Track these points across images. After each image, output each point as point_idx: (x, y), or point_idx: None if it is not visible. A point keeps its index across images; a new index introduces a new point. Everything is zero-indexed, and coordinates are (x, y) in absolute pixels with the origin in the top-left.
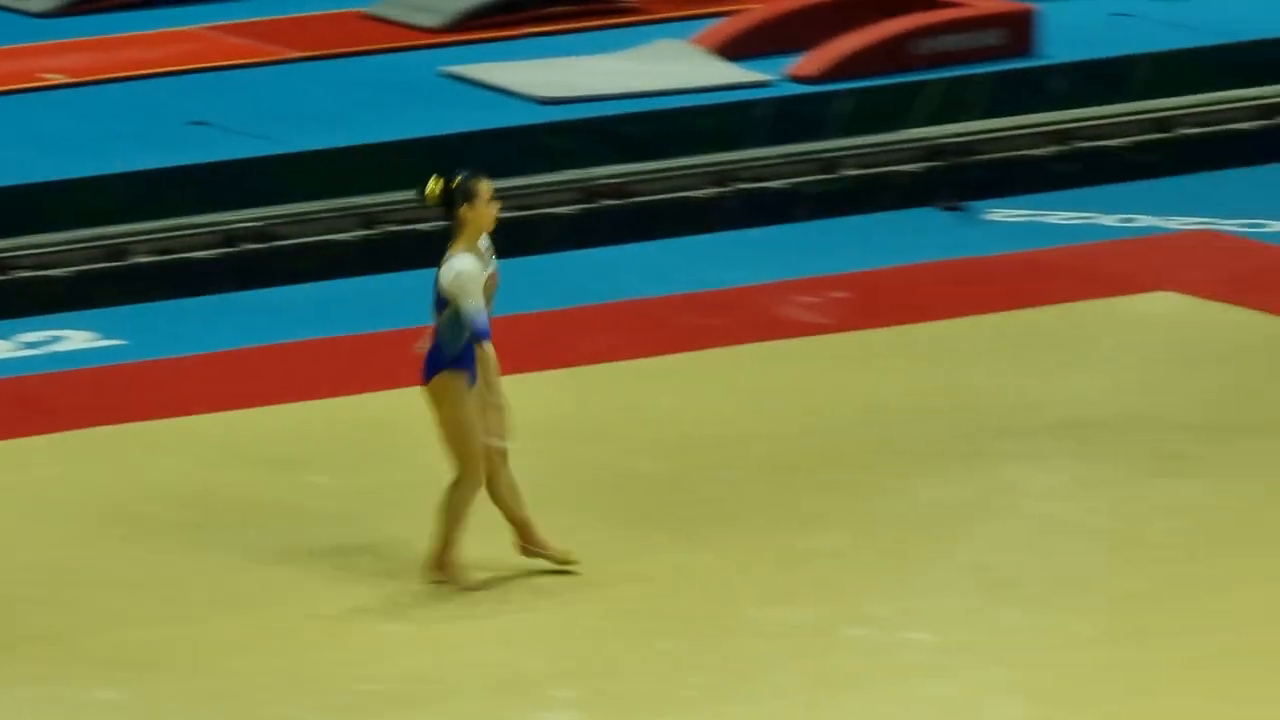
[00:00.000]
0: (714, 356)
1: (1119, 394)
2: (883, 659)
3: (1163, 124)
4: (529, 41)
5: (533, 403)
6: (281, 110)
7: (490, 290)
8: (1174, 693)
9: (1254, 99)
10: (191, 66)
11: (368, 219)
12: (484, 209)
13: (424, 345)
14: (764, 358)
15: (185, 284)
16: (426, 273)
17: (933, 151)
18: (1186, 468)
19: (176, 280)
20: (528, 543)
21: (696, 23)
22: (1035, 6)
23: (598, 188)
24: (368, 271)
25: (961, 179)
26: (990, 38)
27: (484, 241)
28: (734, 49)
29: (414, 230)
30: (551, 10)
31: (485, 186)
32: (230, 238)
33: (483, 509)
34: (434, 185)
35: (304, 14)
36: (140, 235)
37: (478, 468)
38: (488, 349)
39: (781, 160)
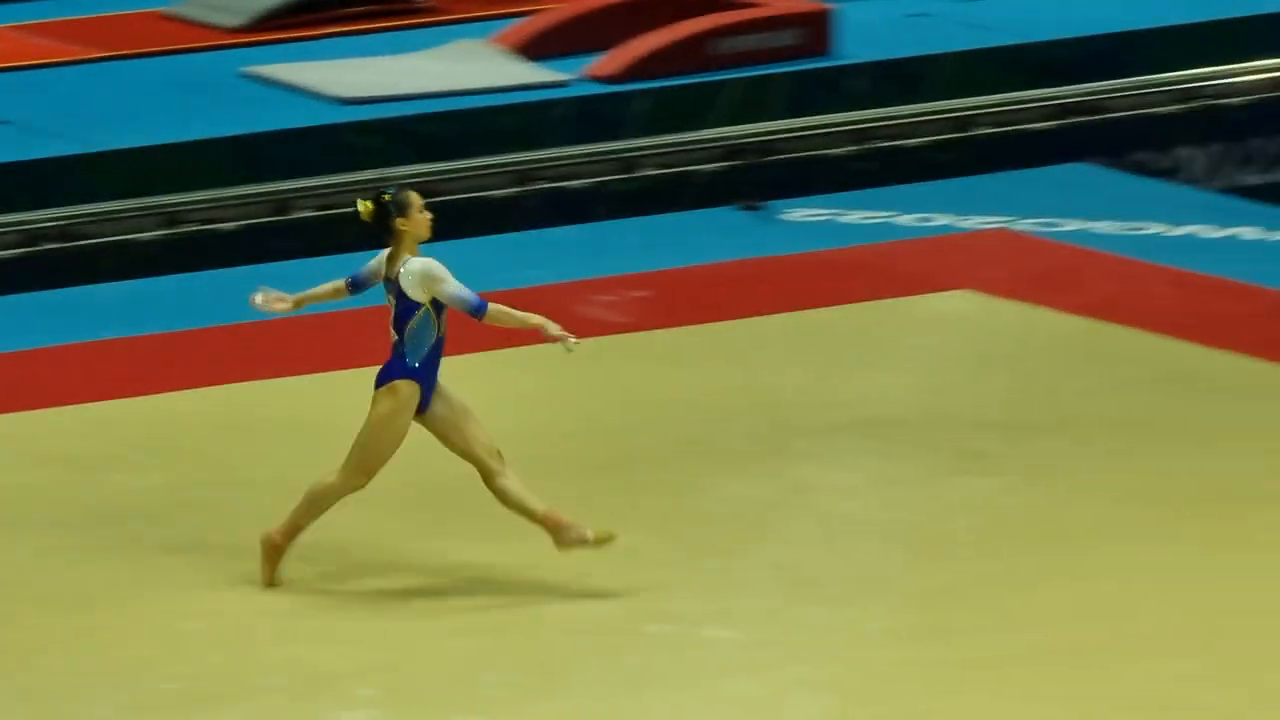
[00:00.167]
0: (513, 356)
1: (918, 392)
2: (685, 656)
3: (959, 124)
4: (330, 41)
5: (333, 402)
6: (83, 110)
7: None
8: (975, 690)
9: (1049, 99)
10: None
11: (169, 218)
12: (418, 218)
13: None
14: (566, 357)
15: None
16: (229, 271)
17: (731, 151)
18: (985, 466)
19: None
20: (561, 538)
21: (496, 23)
22: (833, 7)
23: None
24: (169, 271)
25: (760, 178)
26: (788, 37)
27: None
28: (533, 49)
29: (215, 230)
30: (351, 10)
31: (415, 197)
32: (32, 237)
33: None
34: (365, 205)
35: (105, 14)
36: None
37: (361, 478)
38: (494, 312)
39: (581, 160)
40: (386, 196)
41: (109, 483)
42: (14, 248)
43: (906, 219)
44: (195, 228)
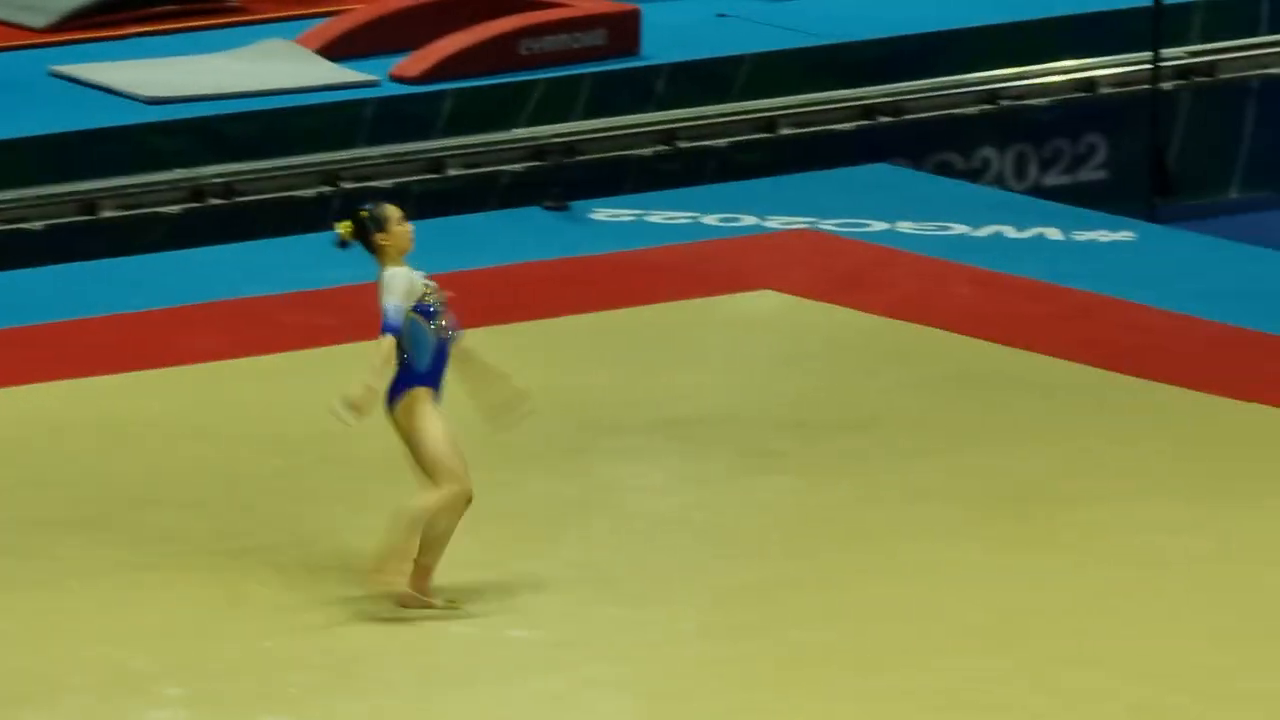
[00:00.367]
0: (321, 355)
1: (721, 391)
2: (488, 655)
3: (764, 124)
4: (137, 41)
5: (139, 401)
6: None
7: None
8: (778, 688)
9: (853, 100)
10: None
11: None
12: (397, 230)
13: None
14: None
15: None
16: (39, 271)
17: (537, 151)
18: (787, 464)
19: None
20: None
21: (302, 23)
22: (639, 7)
23: (204, 187)
24: None
25: (566, 178)
26: (595, 38)
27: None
28: (339, 49)
29: (23, 229)
30: (158, 10)
31: (392, 210)
32: None
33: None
34: (344, 226)
35: None
36: None
37: (455, 482)
38: (386, 342)
39: (387, 160)
40: (364, 213)
41: None
42: None
43: (712, 219)
44: (1, 227)
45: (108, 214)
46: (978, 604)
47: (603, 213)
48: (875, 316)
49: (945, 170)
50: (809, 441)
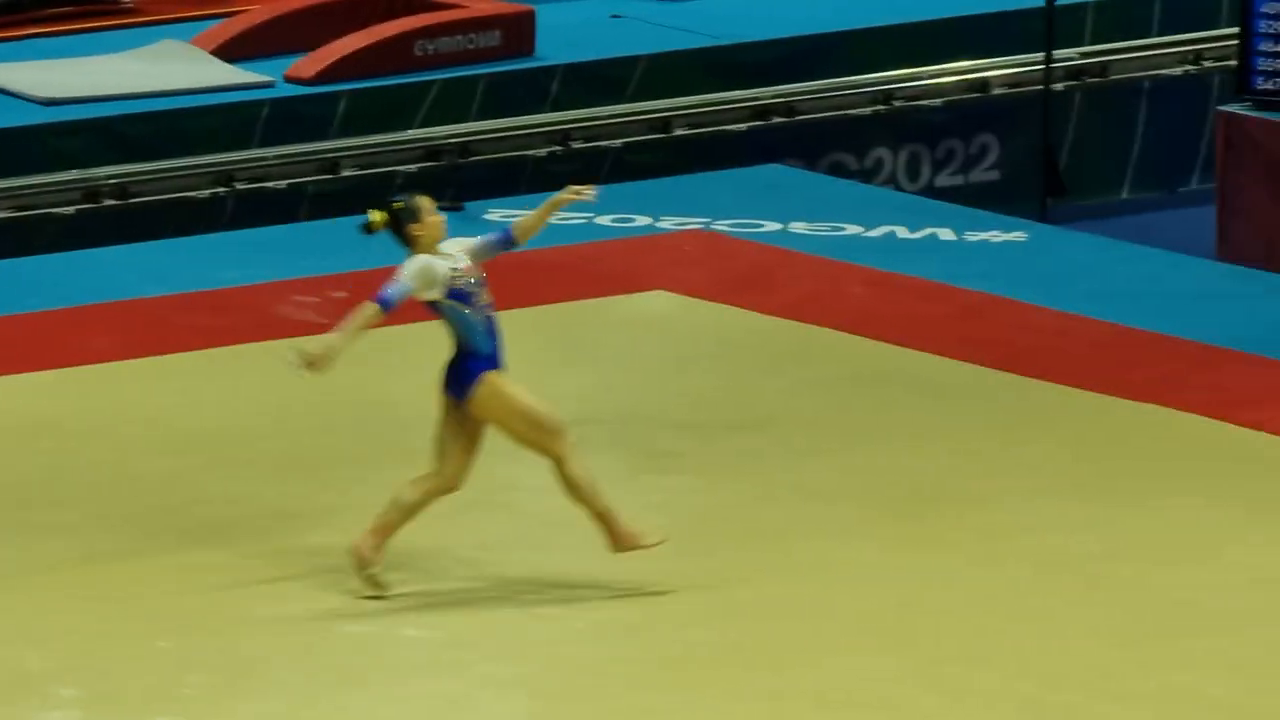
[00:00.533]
0: (216, 356)
1: (615, 392)
2: (383, 656)
3: (658, 125)
4: (32, 43)
5: (31, 403)
6: None
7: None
8: (670, 687)
9: (747, 100)
10: None
11: None
12: (430, 221)
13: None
14: (266, 357)
15: None
16: None
17: (432, 152)
18: (681, 464)
19: None
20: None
21: (198, 24)
22: (533, 9)
23: (99, 188)
24: None
25: (461, 179)
26: (489, 39)
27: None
28: (234, 50)
29: None
30: (53, 10)
31: (425, 201)
32: None
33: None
34: (377, 216)
35: None
36: None
37: (562, 440)
38: (369, 308)
39: (282, 160)
40: (398, 204)
41: None
42: None
43: (606, 219)
44: None
45: (2, 215)
46: (871, 603)
47: (497, 213)
48: (769, 317)
49: (839, 171)
50: (704, 441)
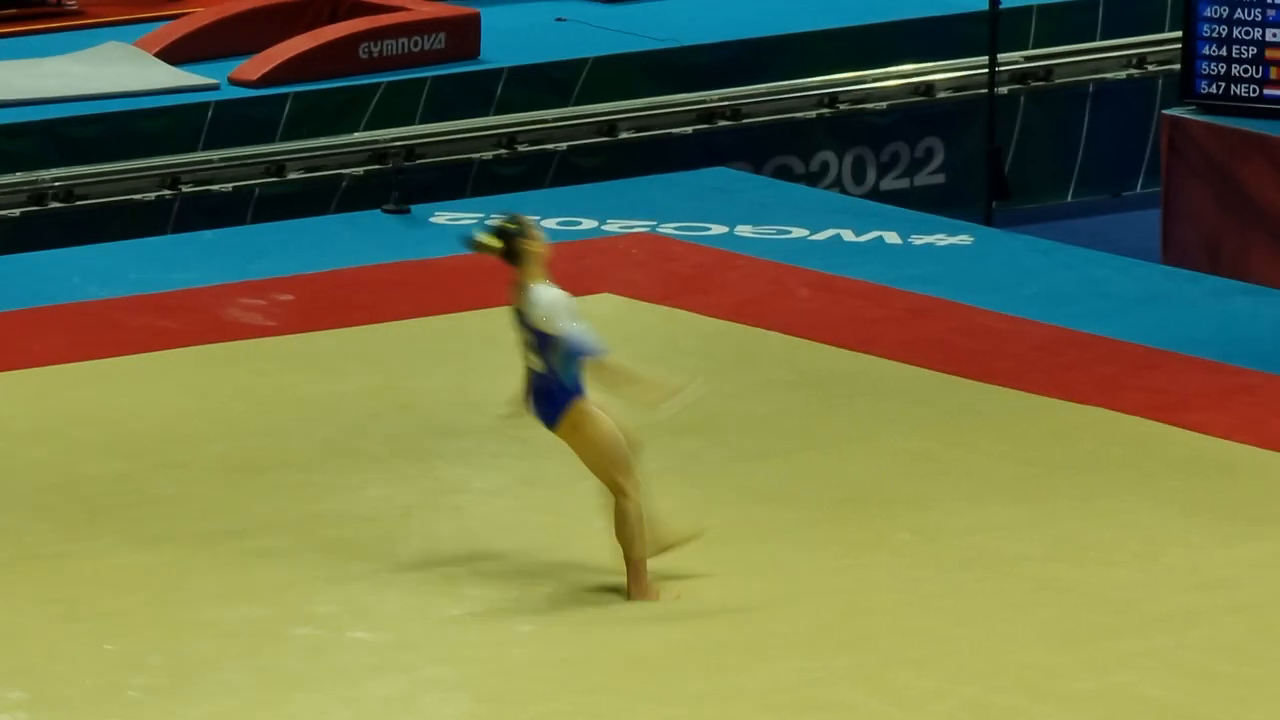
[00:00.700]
0: (163, 358)
1: None
2: (328, 658)
3: (604, 128)
4: None
5: None
6: None
7: None
8: (615, 689)
9: (692, 103)
10: None
11: None
12: (538, 238)
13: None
14: (213, 359)
15: None
16: None
17: (378, 154)
18: None
19: None
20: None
21: (142, 26)
22: (478, 11)
23: (44, 190)
24: None
25: (407, 181)
26: (434, 42)
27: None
28: (179, 52)
29: None
30: None
31: (529, 219)
32: None
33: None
34: (490, 240)
35: None
36: None
37: (633, 476)
38: (608, 362)
39: (227, 163)
40: (511, 225)
41: None
42: None
43: (552, 222)
44: None
45: None
46: (816, 605)
47: (443, 216)
48: (714, 320)
49: (784, 174)
50: (648, 444)
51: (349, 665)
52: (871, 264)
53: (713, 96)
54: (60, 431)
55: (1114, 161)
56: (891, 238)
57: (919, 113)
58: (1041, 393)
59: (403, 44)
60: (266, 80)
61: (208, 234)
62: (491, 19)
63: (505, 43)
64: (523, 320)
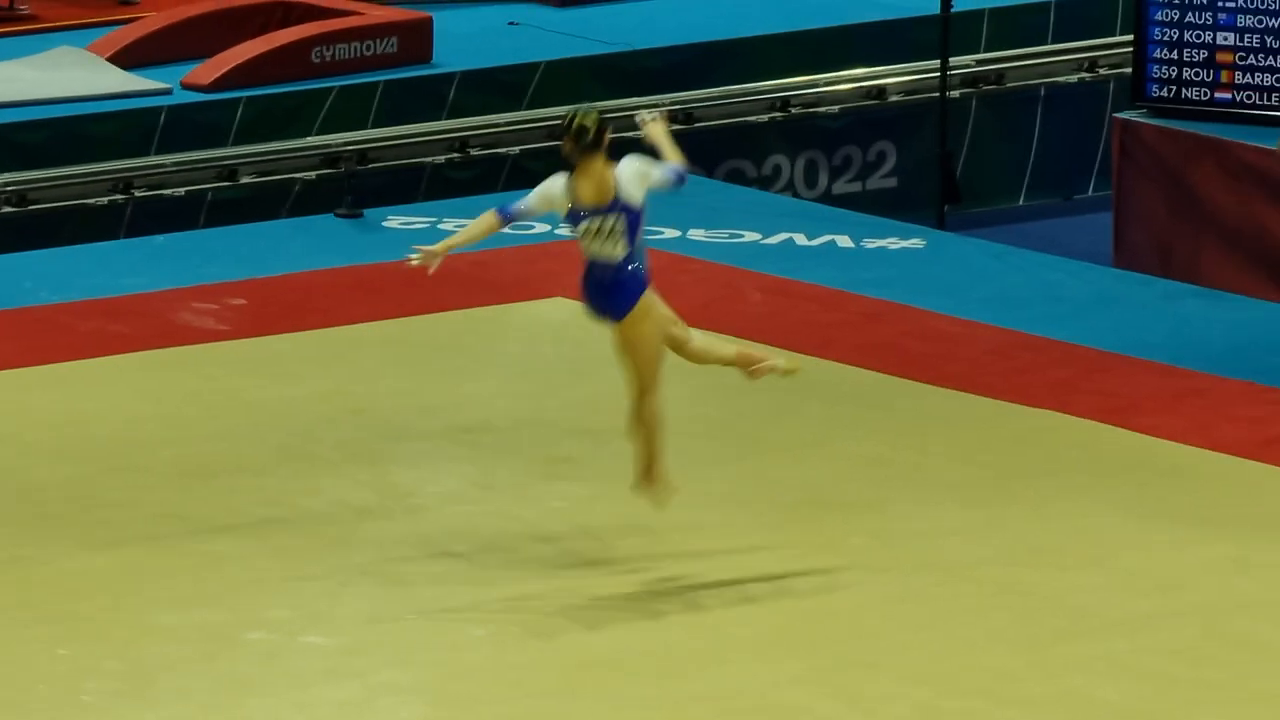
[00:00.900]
0: (115, 363)
1: (512, 398)
2: (282, 663)
3: (555, 132)
4: None
5: None
6: None
7: None
8: (570, 693)
9: (644, 108)
10: None
11: None
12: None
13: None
14: (165, 364)
15: None
16: None
17: (330, 159)
18: (576, 471)
19: None
20: (753, 374)
21: (94, 31)
22: (430, 15)
23: None
24: None
25: (359, 186)
26: (387, 46)
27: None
28: (131, 57)
29: None
30: None
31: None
32: None
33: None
34: (592, 118)
35: None
36: None
37: (658, 387)
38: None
39: (180, 167)
40: (594, 114)
41: None
42: None
43: (504, 227)
44: None
45: None
46: (771, 609)
47: (396, 220)
48: None
49: (736, 178)
50: (599, 448)
51: (303, 670)
52: (824, 268)
53: (665, 100)
54: (12, 436)
55: (1066, 165)
56: (844, 241)
57: (871, 117)
58: (994, 396)
59: (355, 48)
60: (219, 85)
61: (159, 238)
62: (444, 23)
63: (457, 47)
64: (599, 210)
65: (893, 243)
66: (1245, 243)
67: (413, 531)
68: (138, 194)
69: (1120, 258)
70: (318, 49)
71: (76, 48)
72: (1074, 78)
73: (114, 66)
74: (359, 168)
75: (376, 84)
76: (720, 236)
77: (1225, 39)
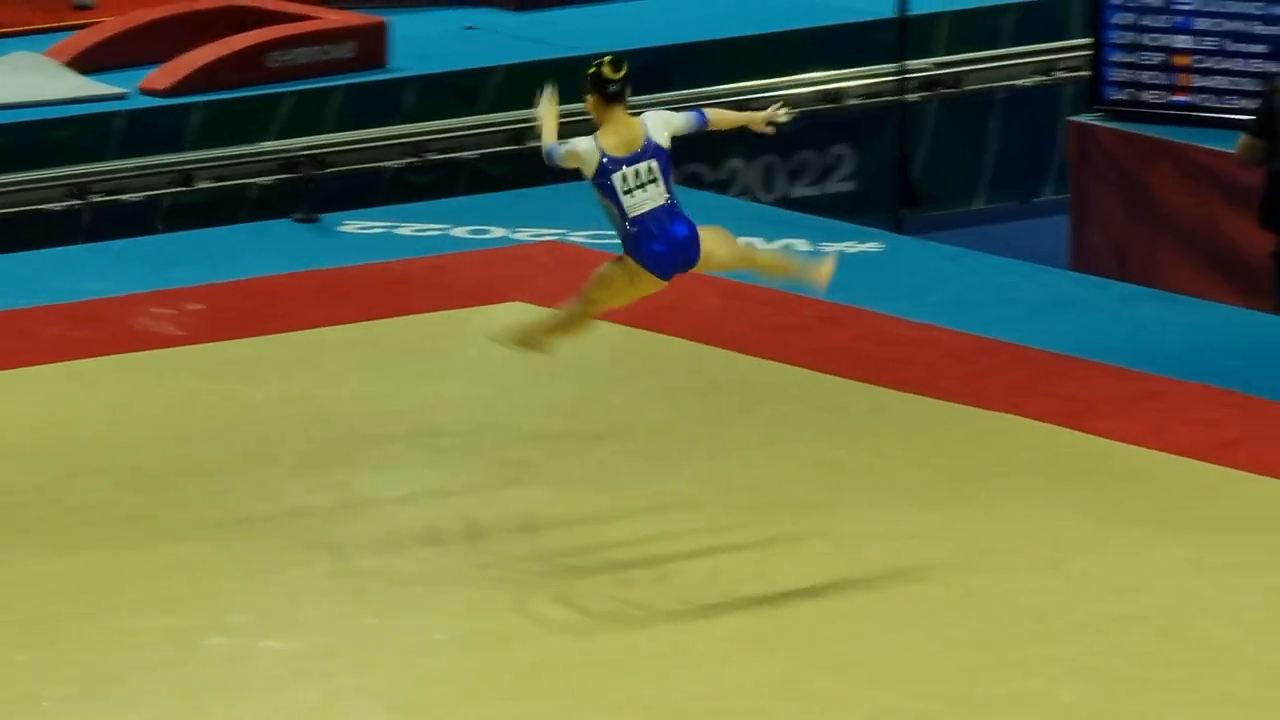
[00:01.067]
0: (76, 368)
1: (470, 403)
2: (243, 667)
3: (512, 136)
4: None
5: None
6: None
7: None
8: (531, 697)
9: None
10: None
11: None
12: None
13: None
14: (126, 369)
15: None
16: None
17: (287, 164)
18: (534, 475)
19: None
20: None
21: (50, 36)
22: (385, 20)
23: None
24: None
25: (316, 190)
26: (343, 50)
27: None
28: (88, 62)
29: None
30: None
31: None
32: None
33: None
34: (617, 71)
35: None
36: None
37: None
38: (713, 117)
39: (137, 172)
40: (619, 61)
41: None
42: None
43: (462, 231)
44: None
45: None
46: (723, 612)
47: (353, 225)
48: (623, 327)
49: (693, 181)
50: (558, 452)
51: (264, 674)
52: None
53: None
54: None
55: (1023, 168)
56: (801, 245)
57: (828, 120)
58: (951, 399)
59: (311, 53)
60: (176, 89)
61: (118, 243)
62: (399, 27)
63: (414, 51)
64: (634, 157)
65: (850, 246)
66: (1202, 245)
67: (374, 535)
68: (95, 199)
69: (1077, 260)
70: (274, 54)
71: (33, 52)
72: (1031, 81)
73: (71, 71)
74: (316, 172)
75: (334, 89)
76: None
77: (1182, 42)
